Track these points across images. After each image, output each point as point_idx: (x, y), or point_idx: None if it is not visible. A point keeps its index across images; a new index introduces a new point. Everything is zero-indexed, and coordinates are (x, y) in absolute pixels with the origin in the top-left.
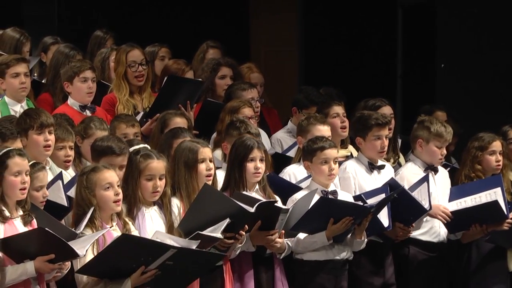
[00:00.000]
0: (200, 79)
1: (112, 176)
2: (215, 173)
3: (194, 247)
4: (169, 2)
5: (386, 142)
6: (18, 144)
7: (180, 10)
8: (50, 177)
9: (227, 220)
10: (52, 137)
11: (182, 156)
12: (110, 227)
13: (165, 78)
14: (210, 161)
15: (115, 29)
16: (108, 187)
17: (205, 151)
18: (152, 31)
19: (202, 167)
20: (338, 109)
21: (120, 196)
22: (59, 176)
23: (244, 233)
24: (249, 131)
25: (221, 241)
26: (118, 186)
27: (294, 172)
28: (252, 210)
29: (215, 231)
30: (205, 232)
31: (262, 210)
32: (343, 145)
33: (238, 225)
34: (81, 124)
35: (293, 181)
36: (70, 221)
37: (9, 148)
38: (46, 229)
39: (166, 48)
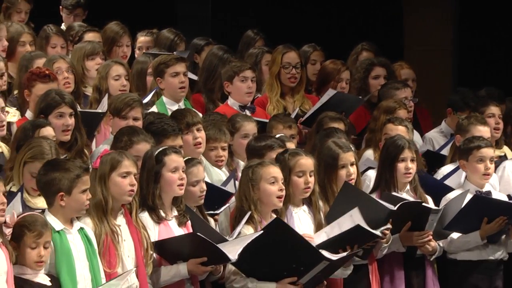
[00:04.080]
0: (360, 97)
1: (277, 172)
2: (358, 175)
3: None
4: (322, 3)
5: None
6: (179, 141)
7: (333, 10)
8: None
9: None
10: (201, 134)
11: (324, 159)
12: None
13: (328, 92)
14: (352, 165)
15: (268, 30)
16: (273, 182)
17: (346, 157)
18: (304, 32)
19: (342, 172)
20: (495, 110)
21: (284, 193)
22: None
23: (388, 232)
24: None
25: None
26: (282, 182)
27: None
28: (394, 208)
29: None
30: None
31: (406, 210)
32: (498, 145)
33: (382, 224)
34: (228, 122)
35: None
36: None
37: (165, 147)
38: (199, 234)
39: (318, 52)
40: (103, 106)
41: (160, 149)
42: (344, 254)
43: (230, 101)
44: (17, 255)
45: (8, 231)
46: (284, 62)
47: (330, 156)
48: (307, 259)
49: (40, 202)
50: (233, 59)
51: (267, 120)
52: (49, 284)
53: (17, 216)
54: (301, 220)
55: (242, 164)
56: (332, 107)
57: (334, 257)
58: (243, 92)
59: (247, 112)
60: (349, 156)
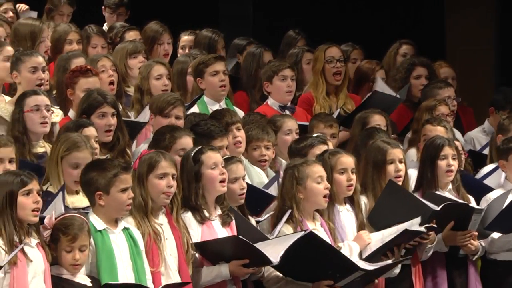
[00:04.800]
0: (398, 96)
1: (322, 170)
2: (406, 172)
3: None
4: (363, 3)
5: None
6: (225, 142)
7: (374, 9)
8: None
9: (419, 219)
10: (240, 133)
11: (372, 156)
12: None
13: (371, 93)
14: (400, 162)
15: (309, 30)
16: (319, 181)
17: (395, 152)
18: (345, 32)
19: (390, 168)
20: None
21: (328, 191)
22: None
23: (433, 232)
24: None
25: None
26: (327, 181)
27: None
28: (437, 208)
29: (413, 227)
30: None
31: (449, 210)
32: None
33: (424, 223)
34: (268, 123)
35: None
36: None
37: (199, 146)
38: (242, 237)
39: (358, 50)
40: (144, 116)
41: (196, 149)
42: (383, 263)
43: (270, 101)
44: (55, 256)
45: (46, 233)
46: (328, 56)
47: (379, 152)
48: (342, 268)
49: (78, 201)
50: (269, 56)
51: (307, 123)
52: (90, 284)
53: (56, 218)
54: (345, 219)
55: (285, 163)
56: (371, 107)
57: (370, 267)
58: (283, 92)
59: (287, 112)
60: (398, 152)
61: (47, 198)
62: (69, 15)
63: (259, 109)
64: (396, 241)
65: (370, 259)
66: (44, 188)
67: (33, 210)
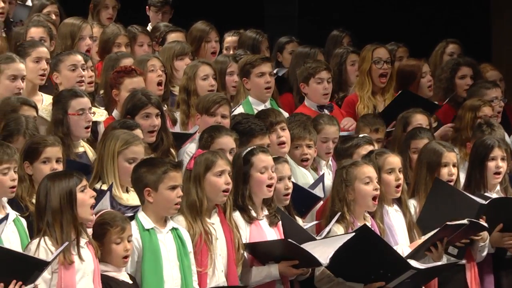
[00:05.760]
0: (436, 102)
1: (371, 171)
2: (458, 177)
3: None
4: (409, 2)
5: None
6: (266, 140)
7: (420, 9)
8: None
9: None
10: (285, 133)
11: (426, 157)
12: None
13: (400, 92)
14: (454, 166)
15: (354, 29)
16: (368, 182)
17: (450, 156)
18: (390, 31)
19: (444, 171)
20: None
21: (378, 192)
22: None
23: (484, 233)
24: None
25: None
26: (376, 182)
27: None
28: (484, 202)
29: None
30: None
31: (497, 208)
32: None
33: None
34: (311, 122)
35: None
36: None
37: (252, 147)
38: (291, 241)
39: (404, 48)
40: (194, 128)
41: (248, 149)
42: (434, 264)
43: (307, 102)
44: (101, 254)
45: (88, 232)
46: (375, 57)
47: (434, 154)
48: (394, 266)
49: (131, 199)
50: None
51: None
52: (131, 282)
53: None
54: (394, 220)
55: (323, 163)
56: (406, 107)
57: (421, 266)
58: (319, 94)
59: (326, 111)
60: (453, 156)
61: (100, 196)
62: (114, 7)
63: (298, 110)
64: (439, 235)
65: (413, 255)
66: (97, 187)
67: (90, 207)
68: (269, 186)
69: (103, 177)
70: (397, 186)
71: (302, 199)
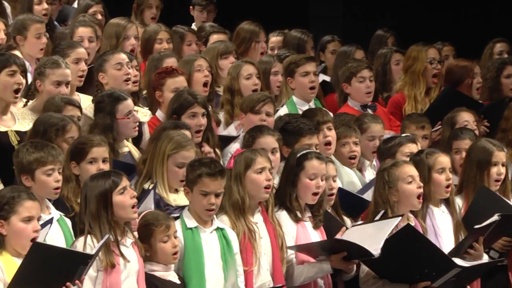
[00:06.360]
0: (480, 101)
1: (413, 170)
2: (507, 176)
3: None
4: (453, 2)
5: None
6: (314, 140)
7: (468, 8)
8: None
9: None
10: (331, 133)
11: (476, 156)
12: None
13: (443, 89)
14: (503, 165)
15: (398, 29)
16: (410, 181)
17: (500, 155)
18: (436, 30)
19: (493, 170)
20: None
21: (422, 190)
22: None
23: None
24: None
25: None
26: (419, 180)
27: None
28: None
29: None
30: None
31: None
32: None
33: None
34: (355, 121)
35: None
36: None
37: (309, 150)
38: (338, 237)
39: (449, 47)
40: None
41: (304, 152)
42: (479, 262)
43: (350, 102)
44: (148, 255)
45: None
46: (429, 57)
47: (484, 152)
48: (439, 265)
49: (178, 200)
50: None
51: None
52: (179, 282)
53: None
54: (440, 221)
55: (367, 163)
56: (450, 106)
57: (466, 264)
58: (362, 93)
59: (369, 111)
60: (503, 156)
61: (143, 196)
62: (158, 7)
63: (341, 110)
64: (469, 240)
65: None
66: (146, 186)
67: (132, 207)
68: (315, 194)
69: (153, 177)
70: (447, 186)
71: (352, 204)
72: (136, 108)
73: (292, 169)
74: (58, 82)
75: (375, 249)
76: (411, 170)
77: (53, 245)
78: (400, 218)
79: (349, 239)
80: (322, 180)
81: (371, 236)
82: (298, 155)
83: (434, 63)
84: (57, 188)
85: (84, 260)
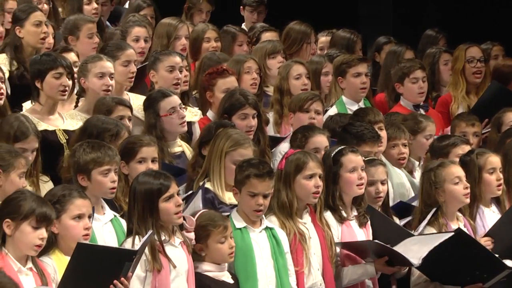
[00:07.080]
0: None
1: (459, 170)
2: None
3: None
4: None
5: None
6: (375, 149)
7: None
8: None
9: None
10: (382, 133)
11: None
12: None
13: (489, 85)
14: None
15: (448, 29)
16: (457, 182)
17: None
18: (486, 31)
19: None
20: None
21: (469, 190)
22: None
23: None
24: None
25: None
26: (466, 180)
27: None
28: None
29: None
30: None
31: None
32: None
33: None
34: (409, 121)
35: None
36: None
37: (341, 147)
38: (377, 241)
39: (499, 47)
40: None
41: (337, 149)
42: None
43: (403, 101)
44: (205, 255)
45: (191, 236)
46: (468, 56)
47: None
48: (489, 267)
49: (233, 198)
50: (403, 60)
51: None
52: (232, 281)
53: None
54: (492, 220)
55: (417, 164)
56: (497, 102)
57: None
58: (415, 93)
59: (422, 111)
60: None
61: (205, 194)
62: (208, 13)
63: (393, 109)
64: None
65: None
66: (200, 183)
67: (176, 213)
68: (359, 185)
69: (210, 174)
70: (498, 186)
71: (403, 211)
72: (189, 107)
73: (331, 169)
74: (102, 74)
75: (417, 258)
76: (457, 170)
77: (96, 244)
78: (451, 234)
79: (394, 246)
80: (362, 171)
81: (416, 245)
82: (333, 154)
83: (473, 62)
84: (113, 188)
85: (129, 256)
